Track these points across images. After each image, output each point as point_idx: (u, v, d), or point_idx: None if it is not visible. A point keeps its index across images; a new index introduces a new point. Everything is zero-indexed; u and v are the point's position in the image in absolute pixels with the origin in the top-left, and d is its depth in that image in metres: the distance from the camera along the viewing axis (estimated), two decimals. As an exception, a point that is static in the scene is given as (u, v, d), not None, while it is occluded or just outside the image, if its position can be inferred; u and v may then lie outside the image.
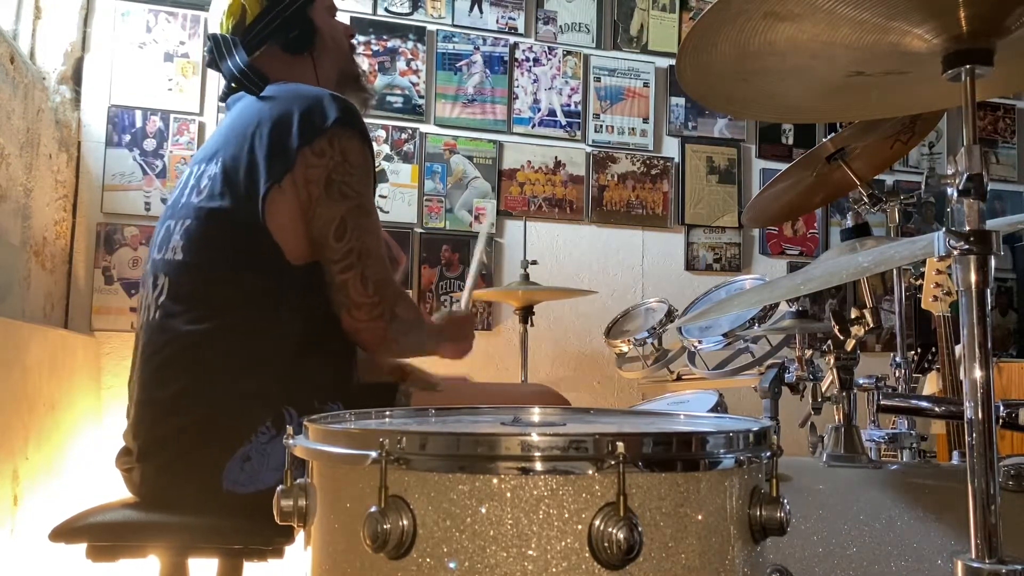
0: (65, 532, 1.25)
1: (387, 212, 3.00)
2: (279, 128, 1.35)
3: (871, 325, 1.42)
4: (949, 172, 0.84)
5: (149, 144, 2.76)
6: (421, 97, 3.10)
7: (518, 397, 1.57)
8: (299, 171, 1.32)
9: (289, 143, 1.33)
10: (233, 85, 1.46)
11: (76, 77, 2.69)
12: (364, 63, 3.03)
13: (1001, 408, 1.00)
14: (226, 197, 1.35)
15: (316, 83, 1.51)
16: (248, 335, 1.32)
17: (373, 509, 0.65)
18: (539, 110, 3.23)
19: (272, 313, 1.33)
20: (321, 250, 1.34)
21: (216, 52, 1.46)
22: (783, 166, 1.81)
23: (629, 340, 2.20)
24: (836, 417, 1.36)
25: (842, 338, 1.39)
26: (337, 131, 1.34)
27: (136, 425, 1.35)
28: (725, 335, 1.95)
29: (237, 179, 1.35)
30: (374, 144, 3.00)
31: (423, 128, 3.09)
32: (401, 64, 3.08)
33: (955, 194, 0.83)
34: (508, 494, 0.64)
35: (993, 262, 0.81)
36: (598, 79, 3.31)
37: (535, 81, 3.24)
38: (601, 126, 3.30)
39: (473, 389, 1.54)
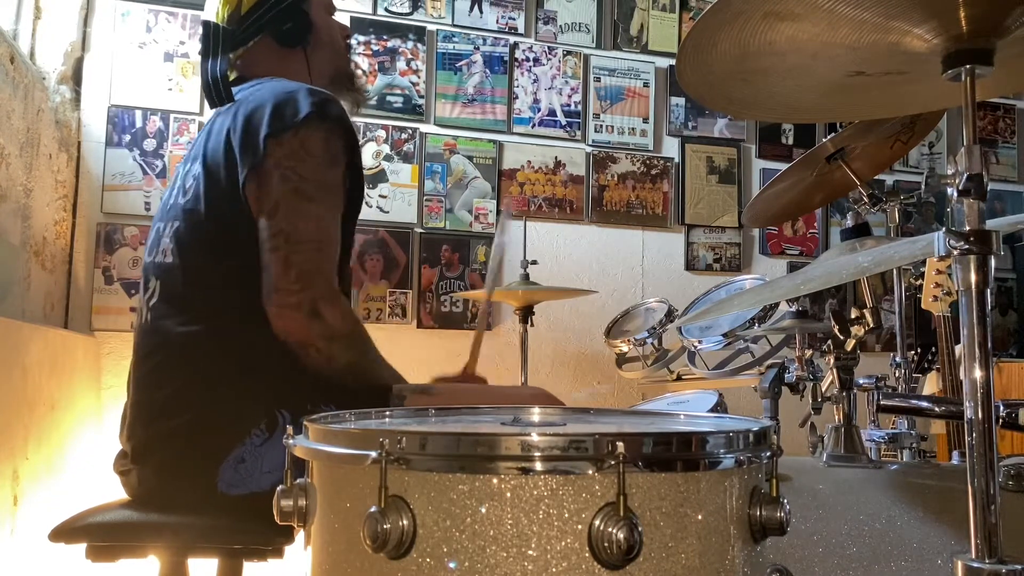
0: (65, 532, 1.25)
1: (387, 212, 2.99)
2: (251, 121, 1.34)
3: (871, 325, 1.42)
4: (949, 172, 0.84)
5: (149, 144, 2.76)
6: (421, 97, 3.10)
7: (514, 400, 1.57)
8: (267, 161, 1.31)
9: (259, 134, 1.32)
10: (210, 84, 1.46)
11: (76, 77, 2.69)
12: (364, 63, 3.03)
13: (1001, 408, 1.00)
14: (210, 196, 1.34)
15: (308, 78, 1.50)
16: (239, 337, 1.31)
17: (373, 509, 0.65)
18: (539, 110, 3.23)
19: (262, 313, 1.31)
20: (258, 232, 1.31)
21: (204, 43, 1.46)
22: (783, 166, 1.81)
23: (629, 340, 2.20)
24: (836, 417, 1.36)
25: (842, 338, 1.39)
26: (304, 125, 1.32)
27: (131, 427, 1.35)
28: (725, 335, 1.94)
29: (219, 176, 1.34)
30: (374, 144, 3.01)
31: (423, 128, 3.09)
32: (401, 64, 3.08)
33: (955, 194, 0.83)
34: (508, 494, 0.64)
35: (993, 262, 0.81)
36: (598, 79, 3.31)
37: (535, 81, 3.24)
38: (601, 126, 3.30)
39: (468, 391, 1.53)
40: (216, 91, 1.42)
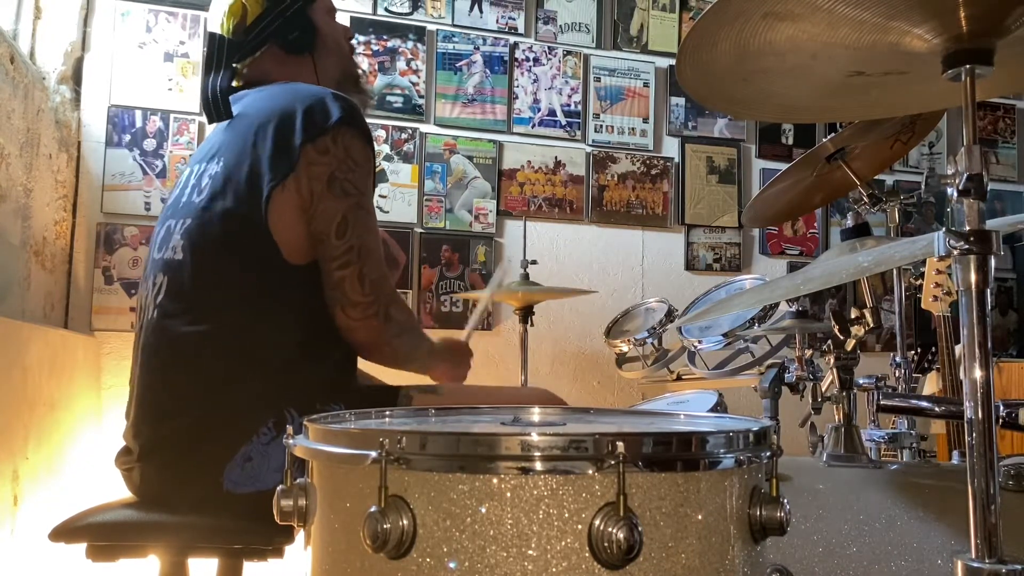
0: (65, 532, 1.25)
1: (387, 212, 3.00)
2: (282, 127, 1.34)
3: (871, 325, 1.42)
4: (949, 172, 0.84)
5: (149, 144, 2.76)
6: (421, 97, 3.10)
7: (517, 401, 1.57)
8: (302, 169, 1.32)
9: (292, 141, 1.33)
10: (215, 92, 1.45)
11: (76, 77, 2.69)
12: (364, 63, 3.03)
13: (1001, 408, 1.00)
14: (227, 197, 1.34)
15: (317, 84, 1.51)
16: (248, 336, 1.31)
17: (373, 509, 0.65)
18: (539, 110, 3.23)
19: (272, 314, 1.33)
20: (321, 247, 1.34)
21: (209, 55, 1.46)
22: (783, 166, 1.81)
23: (629, 340, 2.20)
24: (836, 417, 1.36)
25: (842, 338, 1.39)
26: (340, 129, 1.34)
27: (137, 425, 1.35)
28: (725, 335, 1.94)
29: (239, 178, 1.34)
30: (374, 144, 3.02)
31: (423, 128, 3.09)
32: (401, 64, 3.08)
33: (955, 194, 0.83)
34: (508, 494, 0.64)
35: (993, 262, 0.81)
36: (598, 79, 3.31)
37: (535, 81, 3.24)
38: (601, 126, 3.30)
39: (474, 392, 1.54)
40: (216, 107, 1.42)
